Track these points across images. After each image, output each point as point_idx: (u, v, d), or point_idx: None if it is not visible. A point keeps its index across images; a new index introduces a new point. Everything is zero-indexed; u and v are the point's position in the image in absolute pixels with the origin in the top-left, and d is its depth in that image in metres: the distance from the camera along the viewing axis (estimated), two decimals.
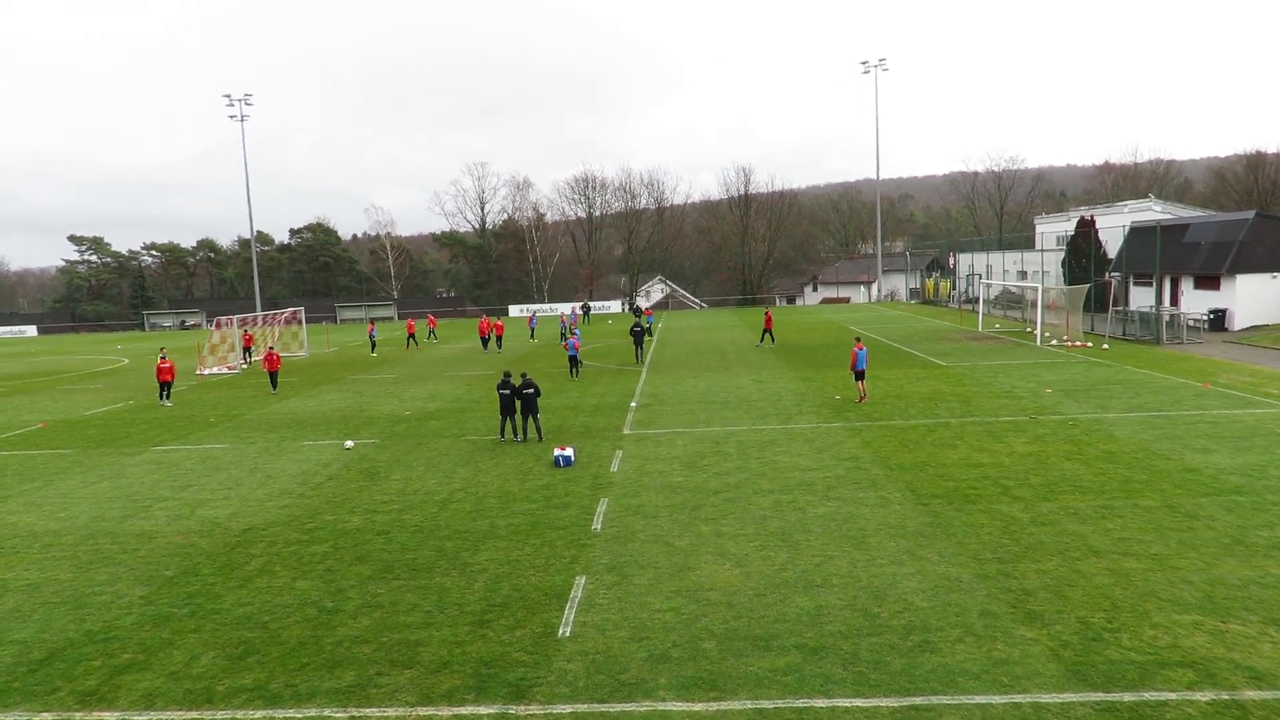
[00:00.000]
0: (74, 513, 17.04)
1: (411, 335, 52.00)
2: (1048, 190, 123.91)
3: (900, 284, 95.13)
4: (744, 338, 49.87)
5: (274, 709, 9.09)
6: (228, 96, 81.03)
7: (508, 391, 22.01)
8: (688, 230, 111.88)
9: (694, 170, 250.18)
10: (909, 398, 26.58)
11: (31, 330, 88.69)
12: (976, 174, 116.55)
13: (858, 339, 27.45)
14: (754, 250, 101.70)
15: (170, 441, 24.18)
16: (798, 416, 24.21)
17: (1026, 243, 77.29)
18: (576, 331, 40.26)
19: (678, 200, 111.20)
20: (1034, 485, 16.27)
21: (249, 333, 46.33)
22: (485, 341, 47.21)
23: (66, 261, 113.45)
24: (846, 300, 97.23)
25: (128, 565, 13.75)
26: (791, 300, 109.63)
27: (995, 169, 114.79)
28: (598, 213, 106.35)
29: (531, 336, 54.44)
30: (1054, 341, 39.66)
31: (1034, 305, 43.90)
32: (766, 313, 47.21)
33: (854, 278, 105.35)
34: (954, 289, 74.50)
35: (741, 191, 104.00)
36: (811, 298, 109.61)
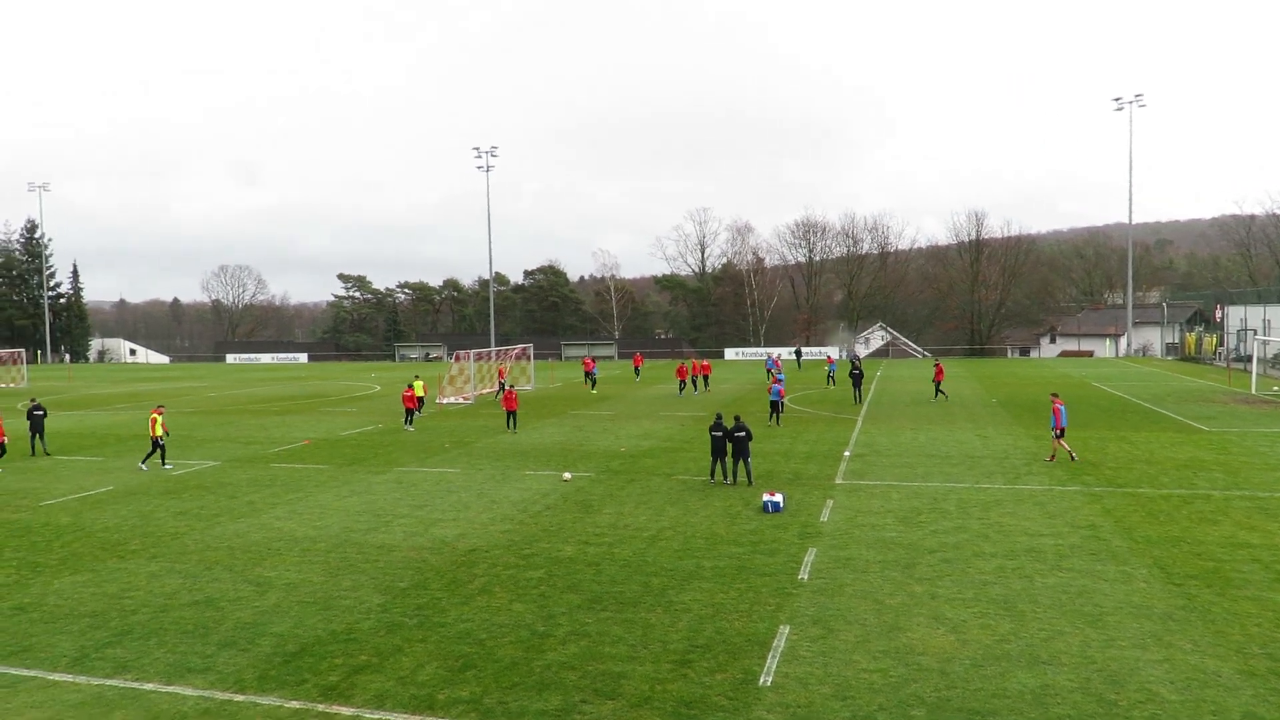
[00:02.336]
0: (328, 522, 18.98)
1: (588, 373, 53.48)
2: None
3: (1154, 338, 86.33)
4: (969, 390, 47.20)
5: None
6: (476, 149, 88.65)
7: (720, 434, 22.15)
8: (912, 276, 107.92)
9: (918, 214, 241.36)
10: (1161, 464, 23.97)
11: (303, 357, 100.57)
12: (1253, 217, 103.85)
13: (1054, 394, 25.60)
14: (984, 298, 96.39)
15: (410, 464, 26.38)
16: (1027, 476, 22.51)
17: None
18: (781, 376, 39.84)
19: (903, 245, 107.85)
20: None
21: (503, 366, 49.99)
22: (682, 385, 47.45)
23: (335, 297, 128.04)
24: (1089, 354, 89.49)
25: (369, 574, 15.10)
26: (1025, 352, 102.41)
27: (1278, 211, 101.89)
28: (818, 257, 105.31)
29: (785, 370, 53.26)
30: None
31: None
32: (937, 364, 44.48)
33: (1099, 330, 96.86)
34: (1221, 345, 66.54)
35: (973, 236, 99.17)
36: (1048, 350, 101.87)
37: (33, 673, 11.10)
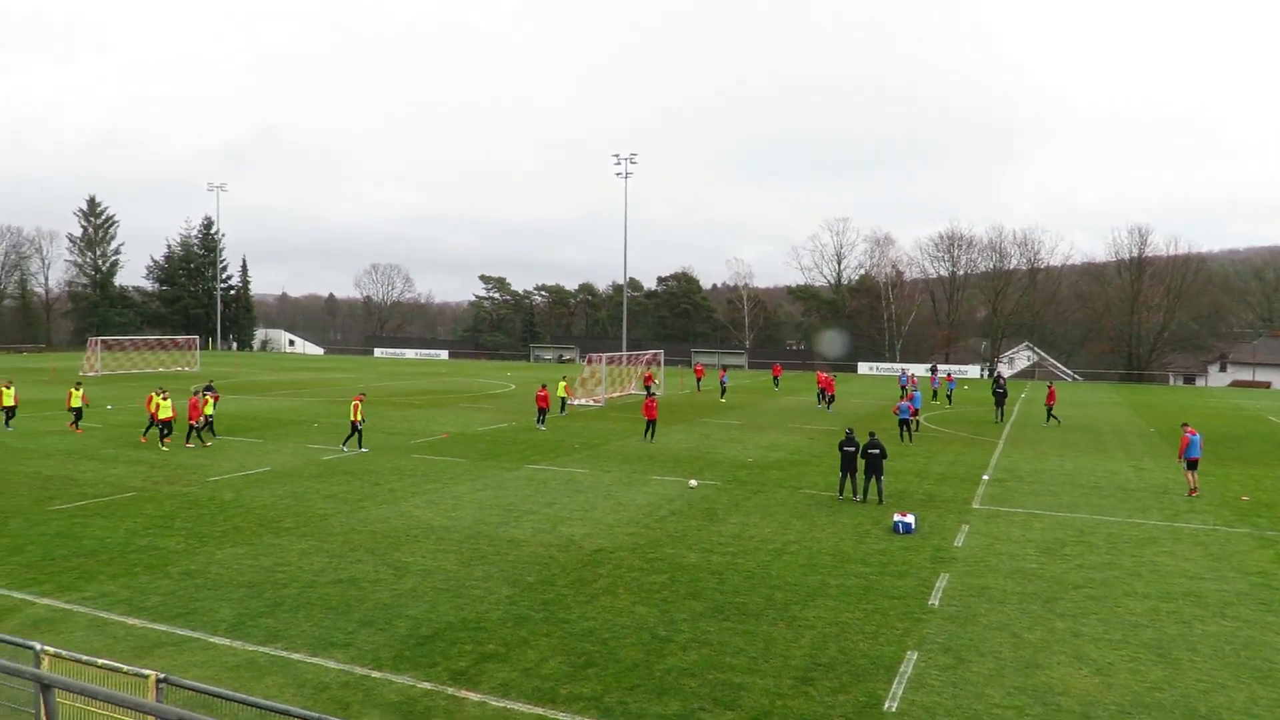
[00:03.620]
0: (462, 514, 19.71)
1: (700, 378, 56.48)
2: None
3: None
4: (1125, 418, 44.30)
5: None
6: (616, 155, 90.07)
7: (851, 449, 21.67)
8: (1064, 294, 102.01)
9: (1072, 229, 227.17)
10: None
11: (444, 354, 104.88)
12: None
13: (1185, 424, 24.27)
14: (1145, 320, 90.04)
15: (541, 461, 27.07)
16: (1188, 514, 20.90)
17: None
18: (916, 394, 38.46)
19: (1055, 261, 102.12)
20: None
21: (649, 372, 51.10)
22: (827, 398, 46.04)
23: (476, 297, 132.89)
24: (1266, 385, 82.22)
25: (499, 566, 15.59)
26: (1190, 380, 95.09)
27: None
28: (961, 272, 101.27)
29: (935, 397, 50.93)
30: None
31: None
32: (1049, 388, 42.24)
33: (1279, 359, 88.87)
34: None
35: (1134, 253, 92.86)
36: (1217, 379, 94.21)
37: (196, 634, 12.05)
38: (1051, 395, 40.72)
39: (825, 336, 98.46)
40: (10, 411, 32.12)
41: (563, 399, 40.37)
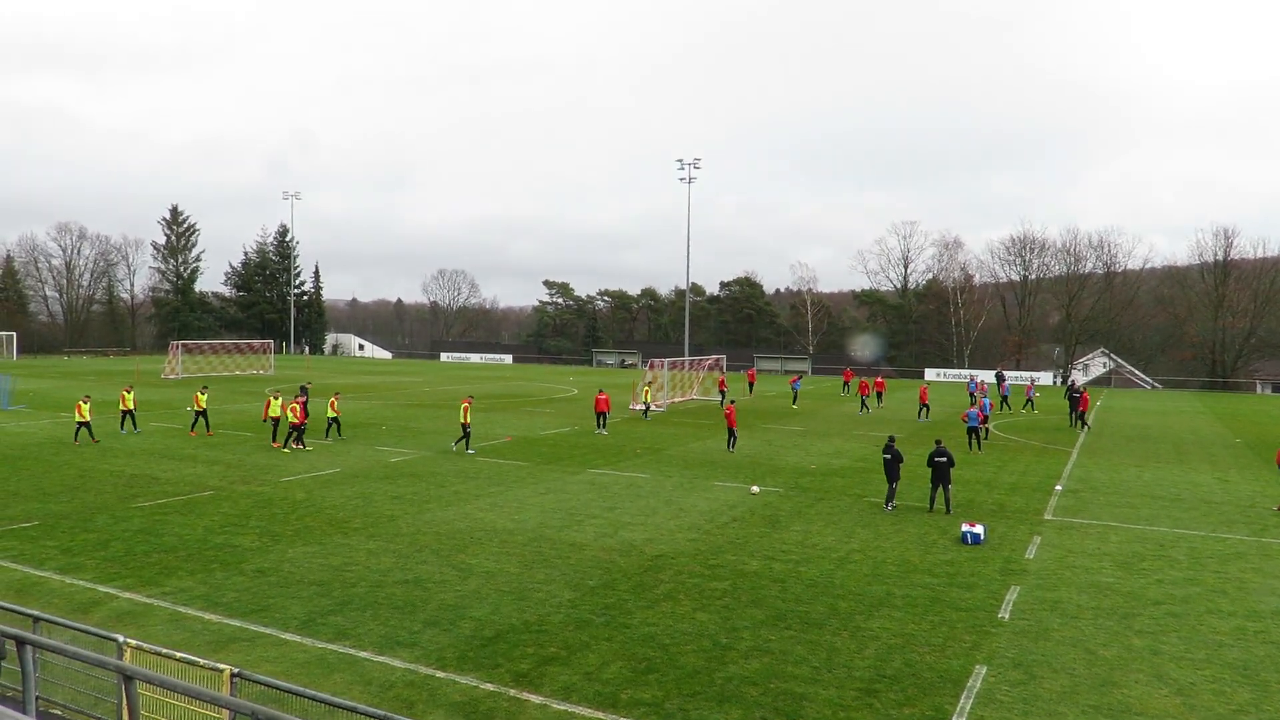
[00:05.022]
0: (525, 517, 19.90)
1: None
2: None
3: None
4: (1209, 427, 42.54)
5: None
6: (679, 160, 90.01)
7: (889, 456, 21.35)
8: (1143, 299, 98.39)
9: (1149, 232, 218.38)
10: None
11: (508, 358, 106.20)
12: None
13: None
14: (1230, 326, 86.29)
15: (603, 466, 27.17)
16: (1278, 529, 19.95)
17: None
18: (985, 401, 37.49)
19: (1133, 265, 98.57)
20: None
21: (722, 377, 51.28)
22: (923, 408, 44.64)
23: (539, 302, 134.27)
24: None
25: (560, 569, 15.69)
26: (1279, 389, 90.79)
27: None
28: (1033, 276, 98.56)
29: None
30: None
31: None
32: (1083, 393, 41.00)
33: None
34: None
35: (1219, 256, 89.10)
36: None
37: (269, 630, 12.40)
38: (1085, 400, 39.99)
39: (859, 340, 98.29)
40: (129, 414, 33.13)
41: (645, 405, 41.24)
